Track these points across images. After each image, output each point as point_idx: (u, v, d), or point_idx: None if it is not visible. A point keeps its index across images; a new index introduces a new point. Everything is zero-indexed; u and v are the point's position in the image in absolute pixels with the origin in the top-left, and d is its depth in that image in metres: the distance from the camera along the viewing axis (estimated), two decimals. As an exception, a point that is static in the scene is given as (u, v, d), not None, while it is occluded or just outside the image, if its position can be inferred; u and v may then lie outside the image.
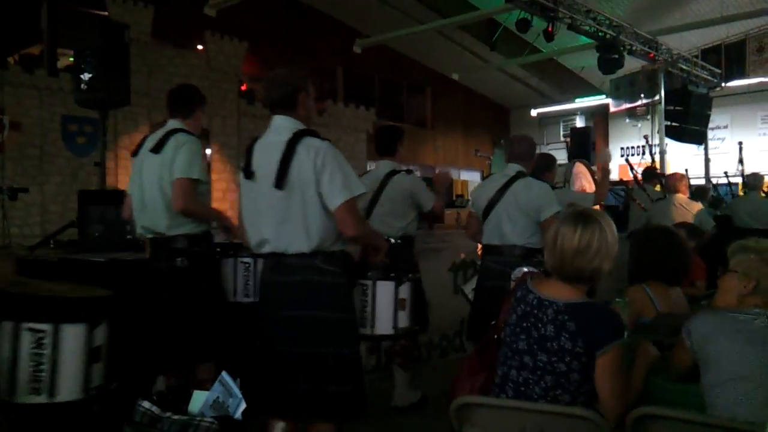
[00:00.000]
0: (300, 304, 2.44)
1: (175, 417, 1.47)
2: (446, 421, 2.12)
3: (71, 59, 7.79)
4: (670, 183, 6.71)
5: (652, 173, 7.91)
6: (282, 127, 2.55)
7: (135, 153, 3.30)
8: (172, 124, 3.27)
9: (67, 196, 9.71)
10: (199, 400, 1.51)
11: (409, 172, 4.24)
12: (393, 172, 4.14)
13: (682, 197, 6.38)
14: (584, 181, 6.45)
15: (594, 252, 2.06)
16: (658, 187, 7.52)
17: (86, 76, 5.08)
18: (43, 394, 2.15)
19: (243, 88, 13.64)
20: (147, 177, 3.16)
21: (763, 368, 1.82)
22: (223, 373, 1.52)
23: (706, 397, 1.92)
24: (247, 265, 3.38)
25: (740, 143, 10.82)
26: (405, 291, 3.23)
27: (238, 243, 3.38)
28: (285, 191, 2.44)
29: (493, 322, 2.46)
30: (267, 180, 2.46)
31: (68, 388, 2.20)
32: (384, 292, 3.16)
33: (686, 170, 7.94)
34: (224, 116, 12.88)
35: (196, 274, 3.14)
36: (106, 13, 10.61)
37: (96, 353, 2.28)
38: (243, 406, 1.47)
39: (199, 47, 12.71)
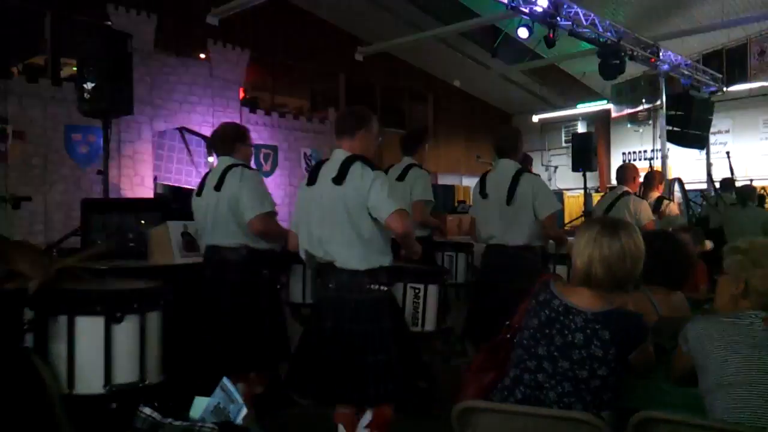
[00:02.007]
0: None
1: (176, 423, 1.48)
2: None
3: (74, 69, 7.83)
4: (746, 192, 7.25)
5: (729, 182, 8.42)
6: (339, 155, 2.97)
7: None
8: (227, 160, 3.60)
9: (70, 205, 9.75)
10: (200, 406, 1.51)
11: None
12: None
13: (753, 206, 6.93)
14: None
15: (633, 259, 2.10)
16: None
17: (89, 86, 5.11)
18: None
19: (245, 96, 13.69)
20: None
21: (760, 371, 1.82)
22: (224, 379, 1.52)
23: (706, 402, 1.92)
24: None
25: (728, 153, 10.81)
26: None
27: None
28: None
29: (507, 323, 2.46)
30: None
31: (123, 377, 2.27)
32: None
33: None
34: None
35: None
36: (109, 23, 10.67)
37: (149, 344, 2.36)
38: (244, 411, 1.48)
39: (202, 56, 12.77)
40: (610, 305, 2.09)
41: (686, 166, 15.90)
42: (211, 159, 12.79)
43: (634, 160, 18.77)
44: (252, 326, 3.34)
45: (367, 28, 14.90)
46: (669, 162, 12.17)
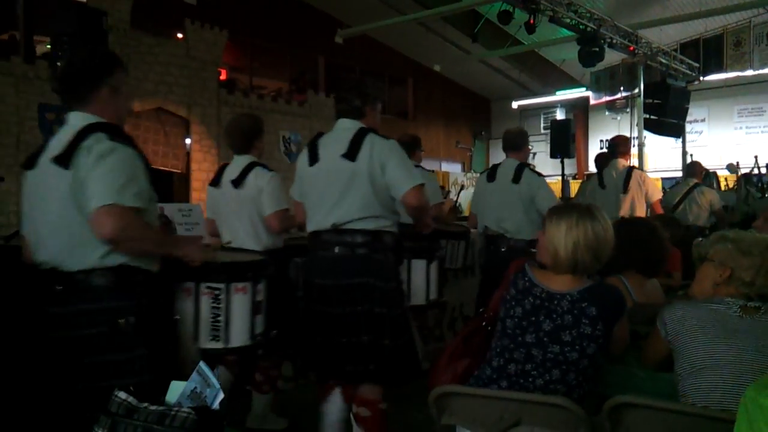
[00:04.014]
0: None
1: (152, 407, 1.47)
2: (426, 410, 2.14)
3: (48, 46, 7.67)
4: None
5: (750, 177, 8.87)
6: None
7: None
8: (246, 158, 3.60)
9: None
10: (176, 390, 1.50)
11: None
12: None
13: None
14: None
15: (603, 243, 2.12)
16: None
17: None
18: (219, 341, 2.57)
19: (223, 77, 13.54)
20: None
21: (735, 357, 1.85)
22: (201, 363, 1.51)
23: (679, 386, 1.95)
24: None
25: (756, 156, 10.93)
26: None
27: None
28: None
29: (481, 309, 2.46)
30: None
31: (239, 335, 2.61)
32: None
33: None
34: (204, 105, 12.78)
35: None
36: (84, 0, 10.46)
37: (258, 306, 2.69)
38: (221, 396, 1.47)
39: (179, 35, 12.58)
40: (589, 282, 2.12)
41: (662, 155, 16.11)
42: (188, 141, 12.66)
43: (611, 147, 18.91)
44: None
45: (347, 11, 14.79)
46: (645, 150, 12.28)
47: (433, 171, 5.02)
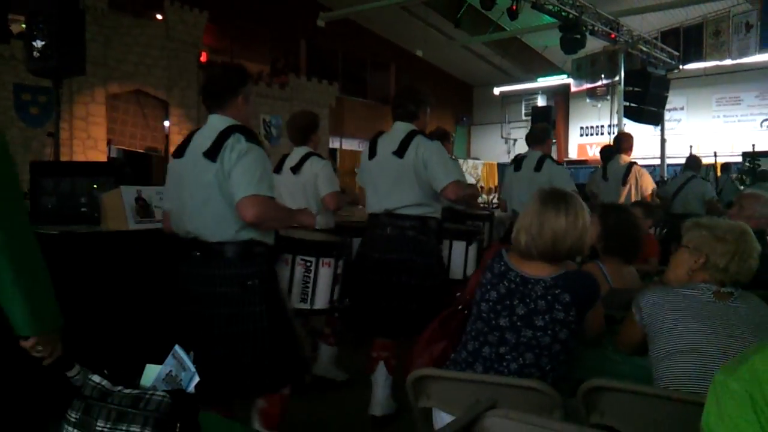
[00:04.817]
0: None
1: (126, 391, 1.45)
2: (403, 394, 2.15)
3: (23, 26, 7.52)
4: None
5: None
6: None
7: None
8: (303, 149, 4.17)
9: (19, 167, 9.43)
10: (151, 374, 1.50)
11: None
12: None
13: None
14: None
15: (581, 230, 2.13)
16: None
17: (39, 44, 4.92)
18: (306, 303, 3.12)
19: (203, 59, 13.36)
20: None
21: (709, 342, 1.88)
22: (176, 347, 1.50)
23: (653, 370, 1.98)
24: None
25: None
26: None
27: None
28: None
29: (458, 294, 2.48)
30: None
31: (321, 300, 3.15)
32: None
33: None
34: (183, 87, 12.63)
35: None
36: (60, -22, 10.26)
37: (337, 278, 3.20)
38: (196, 379, 1.46)
39: (159, 17, 12.40)
40: (564, 269, 2.13)
41: (641, 142, 16.22)
42: (166, 123, 12.52)
43: (592, 134, 19.06)
44: None
45: (329, -6, 14.67)
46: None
47: (456, 158, 5.70)
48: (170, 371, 1.48)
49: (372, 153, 3.64)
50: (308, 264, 3.12)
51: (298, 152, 4.15)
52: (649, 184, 6.50)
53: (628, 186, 6.39)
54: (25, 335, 1.64)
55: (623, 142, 6.79)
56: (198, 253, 2.60)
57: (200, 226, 2.60)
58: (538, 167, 5.11)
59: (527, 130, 6.15)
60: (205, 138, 2.61)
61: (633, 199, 6.23)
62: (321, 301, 3.17)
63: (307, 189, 4.05)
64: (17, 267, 1.62)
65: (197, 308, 2.60)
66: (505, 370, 2.07)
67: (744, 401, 0.99)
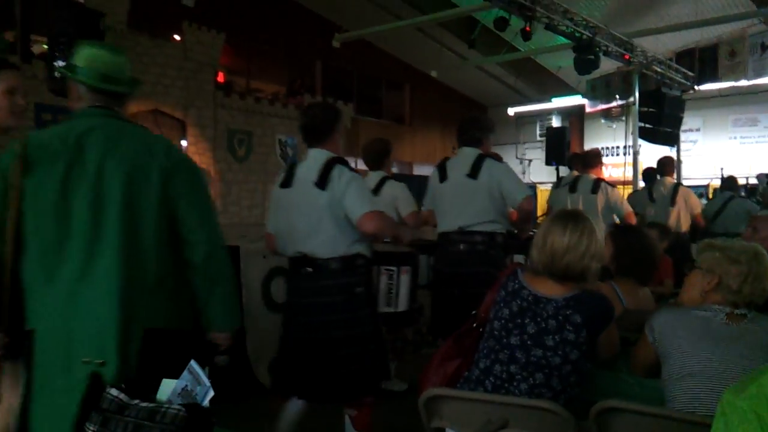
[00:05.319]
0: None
1: (143, 404, 1.48)
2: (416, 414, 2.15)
3: (45, 46, 7.66)
4: None
5: None
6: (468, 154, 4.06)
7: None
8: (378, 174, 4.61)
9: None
10: (167, 388, 1.52)
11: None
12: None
13: None
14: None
15: (583, 250, 2.13)
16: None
17: (60, 64, 5.01)
18: (392, 307, 3.57)
19: (220, 79, 13.53)
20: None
21: (720, 363, 1.87)
22: (192, 362, 1.53)
23: (666, 392, 1.97)
24: None
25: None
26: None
27: None
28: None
29: (473, 312, 2.49)
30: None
31: (403, 303, 3.63)
32: None
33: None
34: (200, 107, 12.77)
35: None
36: (82, 0, 10.45)
37: (413, 284, 3.67)
38: (211, 394, 1.48)
39: (176, 37, 12.59)
40: (578, 289, 2.14)
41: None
42: (184, 143, 12.65)
43: (607, 155, 18.99)
44: None
45: (344, 15, 14.82)
46: (640, 158, 12.33)
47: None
48: (186, 386, 1.50)
49: (443, 176, 4.08)
50: (391, 273, 3.59)
51: (375, 176, 4.52)
52: (697, 204, 6.76)
53: (677, 207, 6.66)
54: (223, 331, 2.16)
55: (666, 165, 7.07)
56: (309, 269, 2.97)
57: (314, 245, 2.95)
58: (594, 190, 5.70)
59: (542, 151, 6.41)
60: (310, 170, 3.00)
61: (683, 219, 6.59)
62: (403, 305, 3.65)
63: (386, 210, 4.24)
64: (225, 273, 2.12)
65: (305, 318, 2.96)
66: (515, 390, 2.07)
67: (752, 420, 1.00)
